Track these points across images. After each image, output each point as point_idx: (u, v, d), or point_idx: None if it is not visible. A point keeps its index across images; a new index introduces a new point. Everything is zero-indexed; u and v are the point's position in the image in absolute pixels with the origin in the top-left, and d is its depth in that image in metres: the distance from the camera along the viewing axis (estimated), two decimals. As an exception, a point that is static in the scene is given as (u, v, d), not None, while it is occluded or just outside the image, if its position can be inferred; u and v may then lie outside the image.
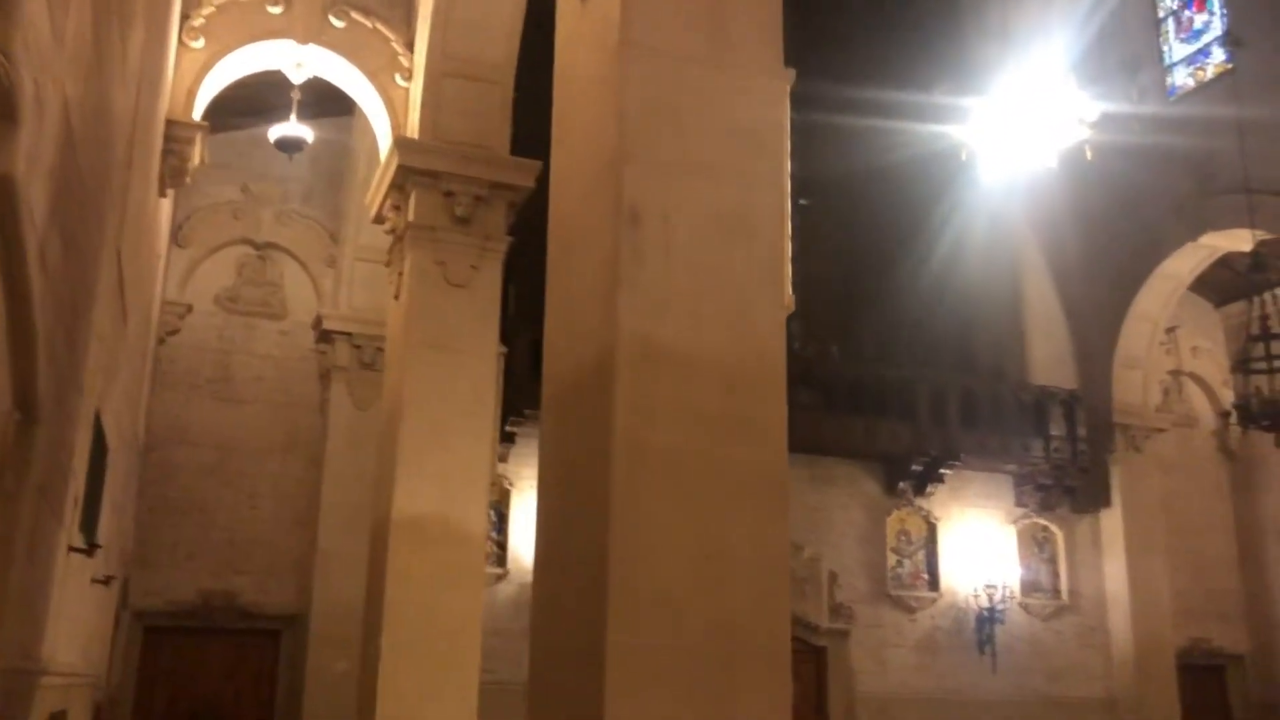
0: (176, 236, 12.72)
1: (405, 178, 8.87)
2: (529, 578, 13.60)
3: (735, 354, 4.30)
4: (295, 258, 13.28)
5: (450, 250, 8.74)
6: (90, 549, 5.20)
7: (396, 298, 9.06)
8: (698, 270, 4.32)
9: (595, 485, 4.14)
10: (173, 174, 8.55)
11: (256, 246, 13.18)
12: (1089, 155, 8.45)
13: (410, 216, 8.80)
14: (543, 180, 9.35)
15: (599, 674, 3.85)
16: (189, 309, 12.67)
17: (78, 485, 5.11)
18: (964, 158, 8.77)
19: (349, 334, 12.84)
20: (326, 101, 13.25)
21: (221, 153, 12.86)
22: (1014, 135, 7.85)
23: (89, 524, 5.57)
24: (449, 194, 8.80)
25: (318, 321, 12.92)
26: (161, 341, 12.48)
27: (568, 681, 4.12)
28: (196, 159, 8.90)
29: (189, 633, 12.17)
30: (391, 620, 7.98)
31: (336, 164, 13.44)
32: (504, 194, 9.02)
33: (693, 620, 4.00)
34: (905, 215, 16.51)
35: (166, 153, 8.35)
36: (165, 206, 9.78)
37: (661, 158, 4.37)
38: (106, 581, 6.73)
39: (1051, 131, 7.83)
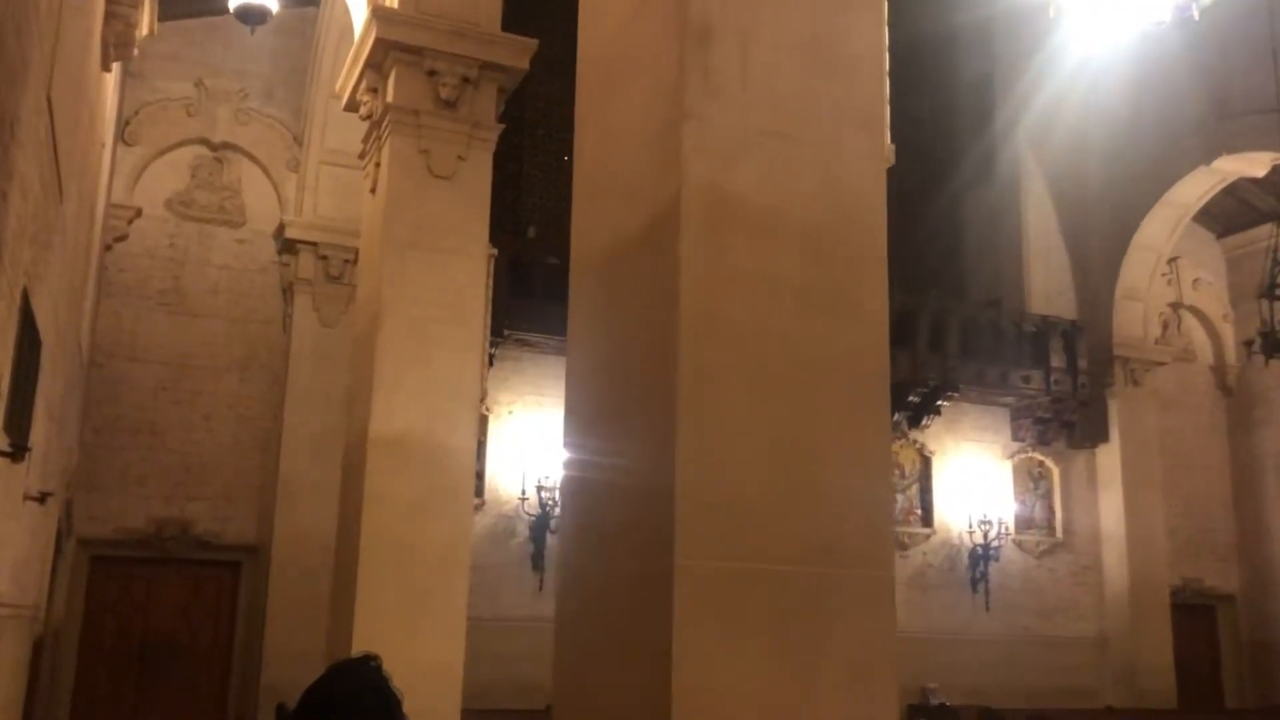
0: (124, 133, 11.60)
1: (384, 54, 7.86)
2: (506, 508, 12.86)
3: (825, 211, 3.45)
4: (255, 160, 12.20)
5: (434, 138, 7.78)
6: (16, 452, 4.29)
7: (373, 191, 8.10)
8: (781, 107, 3.45)
9: (654, 373, 3.29)
10: (118, 42, 7.48)
11: (212, 147, 12.09)
12: (1197, 15, 7.60)
13: (389, 98, 7.81)
14: (534, 64, 8.44)
15: (665, 606, 3.03)
16: (138, 213, 11.59)
17: (1, 376, 4.19)
18: (1052, 15, 7.86)
19: (314, 244, 11.85)
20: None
21: (173, 42, 11.79)
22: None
23: (17, 424, 4.66)
24: (433, 74, 7.81)
25: (280, 230, 11.90)
26: (108, 248, 11.42)
27: (620, 617, 3.30)
28: (145, 28, 7.84)
29: (140, 563, 11.28)
30: (369, 548, 7.13)
31: (299, 60, 12.34)
32: (494, 76, 8.04)
33: (777, 536, 3.19)
34: (909, 127, 15.65)
35: (110, 16, 7.28)
36: (110, 88, 8.70)
37: (737, -36, 3.47)
38: (42, 499, 5.81)
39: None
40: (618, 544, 3.40)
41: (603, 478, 3.55)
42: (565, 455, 3.88)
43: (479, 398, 7.83)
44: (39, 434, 6.06)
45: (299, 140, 12.23)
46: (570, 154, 12.06)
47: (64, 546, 9.84)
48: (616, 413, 3.54)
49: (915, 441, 14.80)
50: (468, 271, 7.71)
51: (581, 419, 3.80)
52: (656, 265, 3.37)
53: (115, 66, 9.29)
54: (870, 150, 3.57)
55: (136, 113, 11.71)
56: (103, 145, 8.87)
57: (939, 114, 16.66)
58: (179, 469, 11.47)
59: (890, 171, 14.28)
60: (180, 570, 11.42)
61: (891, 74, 15.28)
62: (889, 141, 5.11)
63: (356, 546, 7.15)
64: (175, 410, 11.56)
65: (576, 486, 3.80)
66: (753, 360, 3.28)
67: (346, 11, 11.11)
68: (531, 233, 14.02)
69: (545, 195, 14.71)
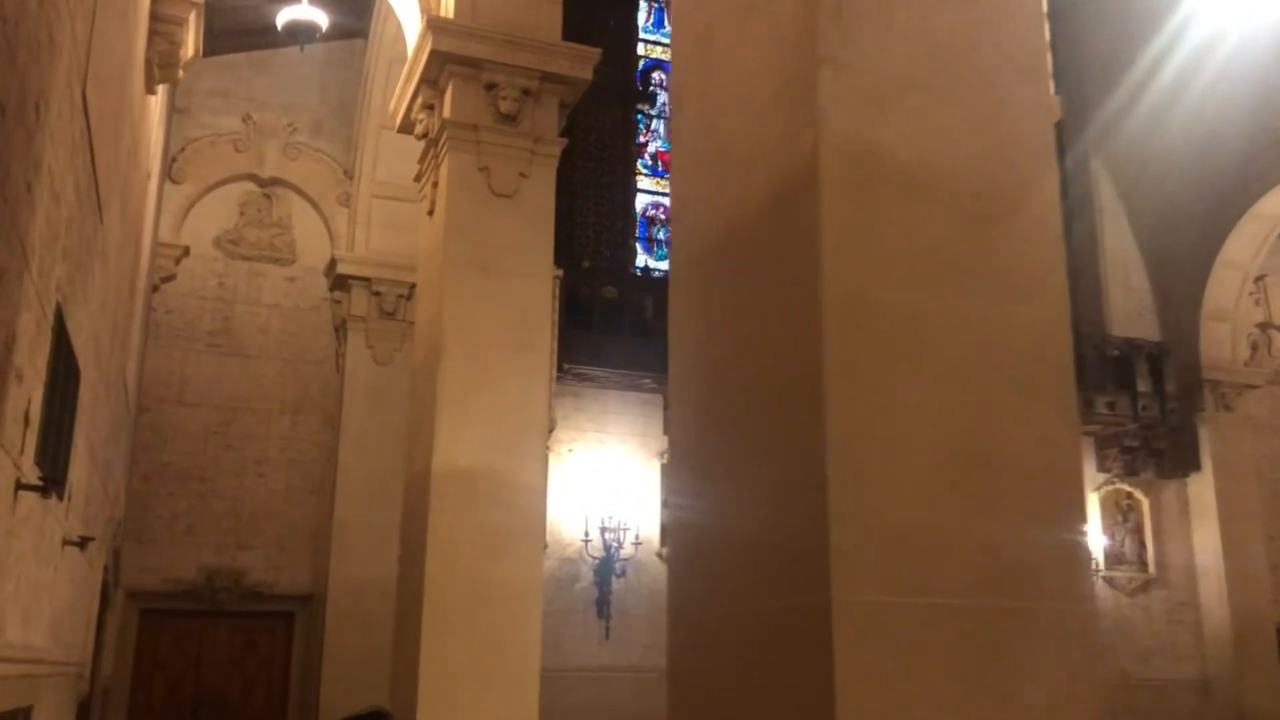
0: (170, 170, 11.30)
1: (440, 69, 7.44)
2: (569, 551, 12.26)
3: (987, 172, 2.89)
4: (305, 195, 11.85)
5: (495, 154, 7.31)
6: (49, 486, 3.80)
7: (430, 214, 7.64)
8: (931, 51, 2.90)
9: (791, 372, 2.73)
10: (163, 63, 7.11)
11: (261, 183, 11.76)
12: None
13: (446, 113, 7.37)
14: (598, 74, 7.96)
15: (821, 651, 2.44)
16: (185, 252, 11.25)
17: (30, 399, 3.71)
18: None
19: (367, 279, 11.43)
20: (336, 24, 11.90)
21: (220, 77, 11.53)
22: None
23: (52, 458, 4.17)
24: (491, 87, 7.36)
25: (331, 266, 11.50)
26: (155, 289, 11.08)
27: (759, 665, 2.71)
28: (190, 48, 7.46)
29: (191, 616, 10.80)
30: (434, 593, 6.57)
31: (348, 92, 12.01)
32: (556, 89, 7.58)
33: (954, 564, 2.59)
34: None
35: (154, 35, 6.92)
36: (155, 113, 8.35)
37: (871, -115, 2.94)
38: (82, 544, 5.33)
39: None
40: (749, 580, 2.82)
41: (725, 501, 2.97)
42: (673, 478, 3.32)
43: (547, 428, 7.28)
44: (79, 474, 5.60)
45: (349, 174, 11.88)
46: (621, 185, 11.41)
47: (111, 599, 9.40)
48: (740, 423, 2.97)
49: (995, 474, 14.02)
50: (533, 294, 7.21)
51: (693, 435, 3.23)
52: (788, 238, 2.81)
53: (161, 94, 8.97)
54: (1035, 101, 3.01)
55: (183, 149, 11.41)
56: (148, 176, 8.51)
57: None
58: (230, 516, 11.02)
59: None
60: (232, 622, 10.93)
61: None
62: (1054, 93, 4.52)
63: (420, 592, 6.59)
64: (226, 456, 11.13)
65: (689, 516, 3.22)
66: (914, 351, 2.70)
67: (396, 40, 10.80)
68: (586, 264, 13.54)
69: (599, 229, 14.25)
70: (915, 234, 2.77)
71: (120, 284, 7.19)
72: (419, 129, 7.78)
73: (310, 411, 11.50)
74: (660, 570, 12.45)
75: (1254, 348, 15.71)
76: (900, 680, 2.48)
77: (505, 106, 7.33)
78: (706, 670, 2.98)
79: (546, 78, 7.50)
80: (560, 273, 9.20)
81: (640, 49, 15.56)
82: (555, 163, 7.57)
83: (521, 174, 7.34)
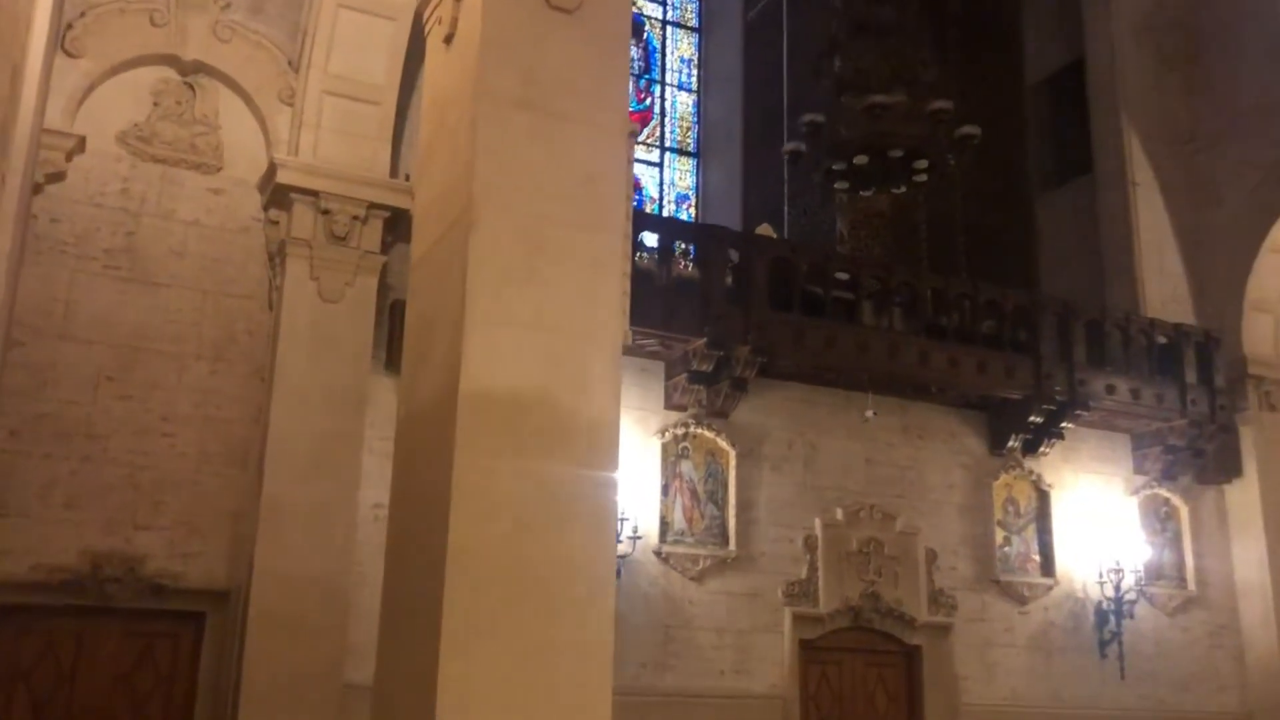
0: (64, 40, 8.78)
1: None
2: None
3: None
4: (237, 88, 9.42)
5: (551, -50, 5.11)
6: None
7: (448, 40, 5.37)
8: None
9: None
10: None
11: (182, 69, 9.29)
12: None
13: (485, -111, 5.14)
14: None
15: None
16: (80, 145, 8.72)
17: None
18: None
19: (314, 193, 9.04)
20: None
21: (137, -69, 9.07)
22: None
23: None
24: None
25: (269, 174, 9.07)
26: (38, 189, 8.55)
27: None
28: None
29: (67, 614, 8.24)
30: (459, 580, 4.28)
31: (298, -37, 9.64)
32: (633, -126, 5.43)
33: None
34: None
35: None
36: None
37: None
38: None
39: None
40: None
41: None
42: None
43: (621, 340, 5.07)
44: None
45: (295, 65, 9.49)
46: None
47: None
48: None
49: (1031, 472, 12.20)
50: (602, 150, 4.99)
51: None
52: None
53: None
54: None
55: (83, 14, 8.88)
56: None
57: (1013, 108, 14.48)
58: (125, 487, 8.50)
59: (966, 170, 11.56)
60: (123, 624, 8.38)
61: (959, 66, 13.22)
62: None
63: (439, 579, 4.30)
64: (122, 408, 8.62)
65: None
66: None
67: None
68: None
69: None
70: None
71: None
72: (434, -75, 5.53)
73: (234, 358, 9.06)
74: (660, 572, 10.28)
75: (1301, 343, 14.19)
76: None
77: (564, -114, 5.14)
78: None
79: None
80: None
81: None
82: (631, -23, 5.40)
83: (587, -16, 5.15)
